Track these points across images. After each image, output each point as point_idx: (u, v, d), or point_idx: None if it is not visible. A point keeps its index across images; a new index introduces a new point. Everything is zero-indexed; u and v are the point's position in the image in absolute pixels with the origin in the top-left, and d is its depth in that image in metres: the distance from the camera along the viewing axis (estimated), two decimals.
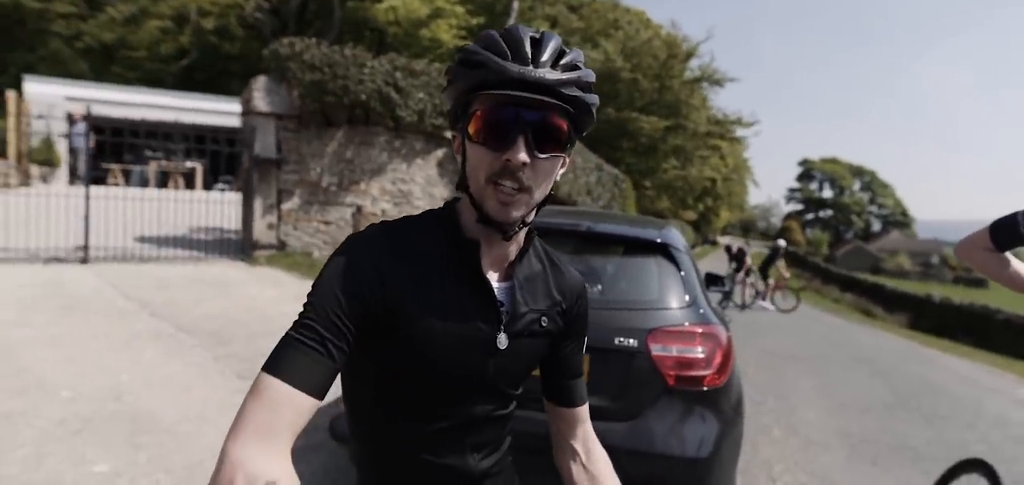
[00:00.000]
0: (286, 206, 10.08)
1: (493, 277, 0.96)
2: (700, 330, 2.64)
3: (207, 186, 22.08)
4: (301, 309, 0.85)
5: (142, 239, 10.10)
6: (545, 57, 0.85)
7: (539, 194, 0.90)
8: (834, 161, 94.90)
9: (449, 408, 0.95)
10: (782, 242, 15.37)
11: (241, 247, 10.32)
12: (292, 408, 0.76)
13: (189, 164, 22.78)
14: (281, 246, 10.01)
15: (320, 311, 0.82)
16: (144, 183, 21.59)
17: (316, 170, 10.21)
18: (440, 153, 11.35)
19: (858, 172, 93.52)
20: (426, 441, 0.96)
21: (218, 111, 22.48)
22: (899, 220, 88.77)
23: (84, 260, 8.50)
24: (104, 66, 30.17)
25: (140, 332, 5.46)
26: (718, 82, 33.67)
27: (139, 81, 28.82)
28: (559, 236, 2.94)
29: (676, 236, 3.12)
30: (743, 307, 13.60)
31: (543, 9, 32.06)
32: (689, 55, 32.57)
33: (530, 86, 0.83)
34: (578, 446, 1.10)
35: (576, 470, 1.10)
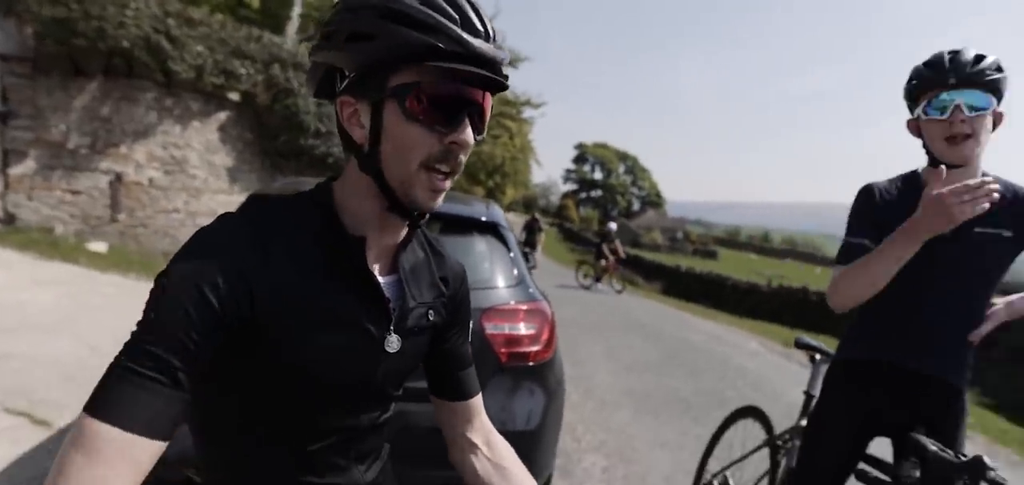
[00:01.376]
0: (16, 171, 8.18)
1: (377, 271, 0.84)
2: (528, 307, 2.74)
3: None
4: (134, 329, 0.67)
5: None
6: (491, 30, 0.76)
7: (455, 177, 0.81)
8: (604, 146, 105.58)
9: (332, 422, 0.84)
10: (613, 224, 17.29)
11: None
12: (131, 459, 0.61)
13: None
14: (10, 219, 8.13)
15: (165, 332, 0.65)
16: None
17: (60, 127, 8.43)
18: (222, 116, 10.15)
19: (623, 157, 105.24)
20: (307, 461, 0.84)
21: None
22: (654, 201, 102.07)
23: None
24: None
25: None
26: (512, 63, 35.19)
27: None
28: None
29: (500, 214, 3.18)
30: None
31: None
32: None
33: (486, 63, 0.74)
34: (478, 439, 1.03)
35: (479, 464, 1.02)
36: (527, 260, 4.86)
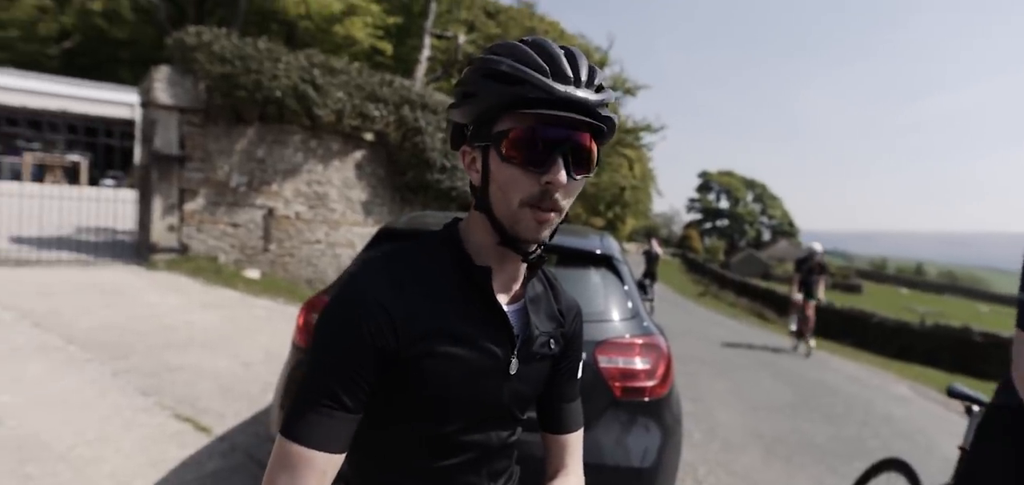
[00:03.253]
0: (189, 206, 9.39)
1: (503, 300, 0.93)
2: (643, 341, 2.68)
3: (93, 181, 20.21)
4: (308, 362, 0.82)
5: (18, 240, 9.09)
6: (585, 76, 0.82)
7: (564, 214, 0.88)
8: (730, 174, 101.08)
9: (467, 439, 0.92)
10: (818, 246, 10.54)
11: (137, 250, 9.53)
12: (318, 470, 0.78)
13: (72, 157, 20.78)
14: (183, 249, 9.32)
15: (329, 369, 0.80)
16: (16, 177, 19.45)
17: (224, 169, 9.59)
18: (358, 155, 11.00)
19: (751, 185, 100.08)
20: (444, 475, 0.92)
21: (107, 100, 20.67)
22: (786, 230, 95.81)
23: None
24: None
25: (21, 346, 4.89)
26: (630, 91, 34.95)
27: (11, 63, 25.96)
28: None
29: (615, 245, 3.16)
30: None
31: (460, 12, 31.98)
32: (601, 64, 33.62)
33: (574, 106, 0.80)
34: (567, 476, 1.06)
35: None
36: (644, 292, 4.77)
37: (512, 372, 0.92)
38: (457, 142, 0.93)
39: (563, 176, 0.81)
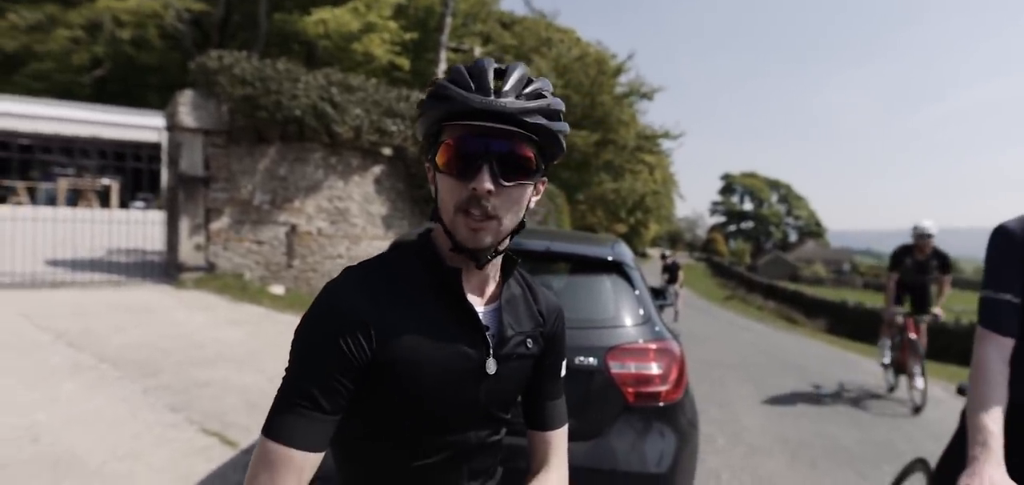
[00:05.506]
0: (215, 226, 9.61)
1: (477, 303, 0.96)
2: (655, 346, 2.68)
3: (123, 204, 20.77)
4: (287, 366, 0.86)
5: (54, 263, 9.39)
6: (508, 86, 0.87)
7: (508, 221, 0.91)
8: (753, 175, 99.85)
9: (446, 438, 0.94)
10: (930, 224, 6.52)
11: (166, 270, 9.77)
12: (296, 468, 0.82)
13: (104, 181, 21.38)
14: (210, 268, 9.53)
15: (307, 374, 0.84)
16: (51, 202, 20.08)
17: (247, 188, 9.80)
18: (377, 170, 11.15)
19: (775, 185, 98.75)
20: (425, 474, 0.94)
21: (135, 125, 21.24)
22: (813, 230, 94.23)
23: None
24: (5, 76, 27.93)
25: (57, 365, 5.05)
26: (646, 95, 34.88)
27: (47, 93, 26.85)
28: (518, 256, 2.93)
29: (626, 252, 3.17)
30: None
31: (476, 26, 32.26)
32: (618, 71, 33.59)
33: (492, 115, 0.85)
34: (549, 473, 1.09)
35: None
36: (664, 297, 4.74)
37: (489, 372, 0.94)
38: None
39: (486, 183, 0.85)
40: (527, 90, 0.88)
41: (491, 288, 0.99)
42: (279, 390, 0.85)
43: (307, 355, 0.85)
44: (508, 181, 0.87)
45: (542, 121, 0.87)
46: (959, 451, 1.58)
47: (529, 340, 1.02)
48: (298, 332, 0.87)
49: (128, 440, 3.72)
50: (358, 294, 0.88)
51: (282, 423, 0.82)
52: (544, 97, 0.89)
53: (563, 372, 1.12)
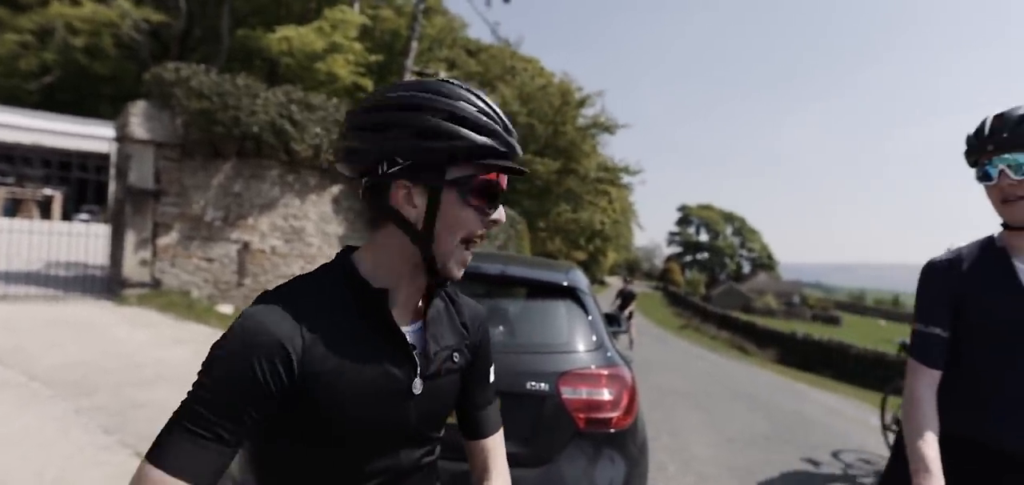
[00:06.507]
0: (163, 241, 9.28)
1: (402, 321, 0.94)
2: (607, 372, 2.69)
3: (66, 216, 19.89)
4: (190, 391, 0.78)
5: None
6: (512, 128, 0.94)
7: None
8: (709, 207, 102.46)
9: (377, 463, 0.91)
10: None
11: (108, 285, 9.37)
12: None
13: (46, 191, 20.45)
14: (156, 284, 9.18)
15: (215, 400, 0.77)
16: None
17: (200, 203, 9.52)
18: (335, 190, 10.99)
19: (730, 218, 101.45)
20: None
21: (83, 135, 20.49)
22: (765, 263, 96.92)
23: None
24: None
25: None
26: (609, 129, 35.48)
27: None
28: (471, 279, 2.91)
29: (581, 278, 3.19)
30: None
31: (442, 51, 32.42)
32: (582, 103, 34.16)
33: (518, 157, 0.93)
34: (492, 479, 1.08)
35: None
36: (618, 325, 4.77)
37: (416, 391, 0.92)
38: (368, 169, 0.90)
39: (503, 215, 0.94)
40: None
41: (415, 306, 0.98)
42: (174, 413, 0.77)
43: (216, 381, 0.78)
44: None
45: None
46: (896, 478, 1.63)
47: (455, 354, 1.01)
48: (209, 356, 0.80)
49: (58, 462, 3.52)
50: (277, 316, 0.82)
51: (172, 449, 0.74)
52: None
53: (492, 378, 1.12)
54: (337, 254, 0.97)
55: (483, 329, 1.10)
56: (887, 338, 32.66)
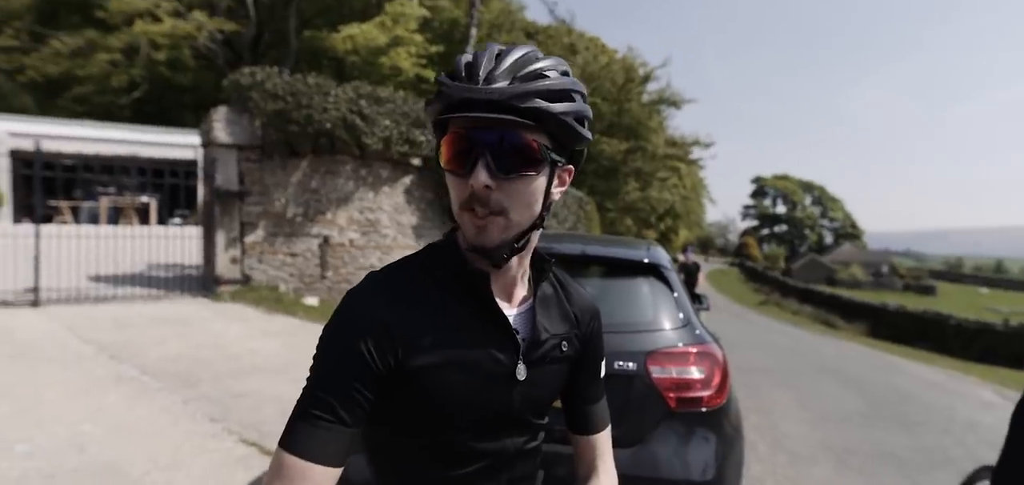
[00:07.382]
0: (250, 239, 9.78)
1: (505, 305, 0.91)
2: (696, 350, 2.61)
3: (161, 220, 21.32)
4: (309, 377, 0.81)
5: (97, 278, 9.65)
6: (501, 70, 0.79)
7: (517, 216, 0.84)
8: (785, 177, 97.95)
9: (480, 447, 0.90)
10: None
11: (203, 283, 9.96)
12: (313, 483, 0.77)
13: (143, 199, 21.98)
14: (246, 280, 9.69)
15: (327, 382, 0.80)
16: (94, 220, 20.71)
17: (281, 201, 9.96)
18: (407, 180, 11.22)
19: (808, 187, 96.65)
20: (462, 483, 0.90)
21: (172, 143, 21.78)
22: (849, 232, 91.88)
23: (34, 303, 8.06)
24: (49, 100, 29.02)
25: (100, 377, 5.16)
26: (675, 103, 34.50)
27: (88, 115, 27.78)
28: (553, 258, 2.88)
29: (662, 255, 3.11)
30: None
31: (500, 36, 32.38)
32: (646, 78, 33.34)
33: (477, 105, 0.78)
34: (599, 477, 1.05)
35: None
36: (702, 303, 4.64)
37: (520, 377, 0.89)
38: None
39: (483, 177, 0.79)
40: (524, 72, 0.80)
41: (522, 290, 0.94)
42: (298, 400, 0.81)
43: (328, 364, 0.81)
44: (507, 173, 0.80)
45: (540, 104, 0.78)
46: (1015, 456, 1.48)
47: (564, 343, 0.96)
48: (320, 340, 0.84)
49: (169, 450, 3.77)
50: (380, 299, 0.84)
51: (300, 434, 0.78)
52: (545, 77, 0.81)
53: (602, 373, 1.07)
54: (444, 234, 0.95)
55: (595, 322, 1.04)
56: (991, 307, 30.29)
